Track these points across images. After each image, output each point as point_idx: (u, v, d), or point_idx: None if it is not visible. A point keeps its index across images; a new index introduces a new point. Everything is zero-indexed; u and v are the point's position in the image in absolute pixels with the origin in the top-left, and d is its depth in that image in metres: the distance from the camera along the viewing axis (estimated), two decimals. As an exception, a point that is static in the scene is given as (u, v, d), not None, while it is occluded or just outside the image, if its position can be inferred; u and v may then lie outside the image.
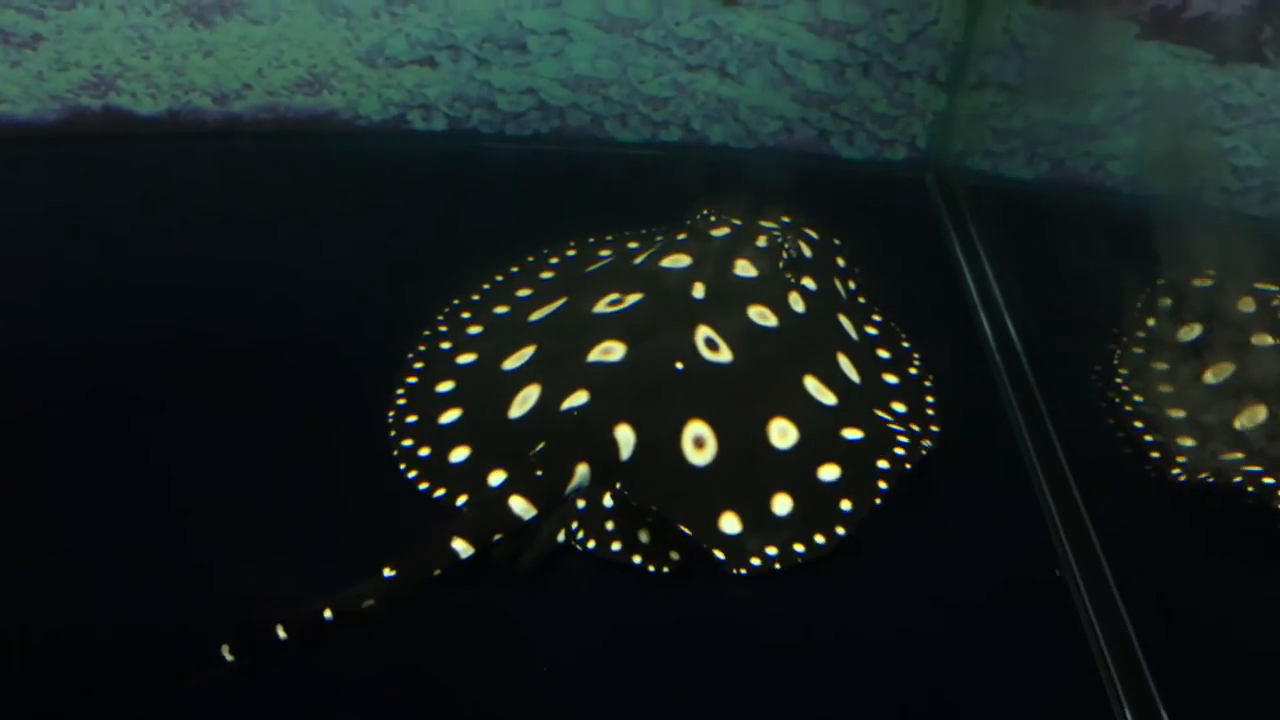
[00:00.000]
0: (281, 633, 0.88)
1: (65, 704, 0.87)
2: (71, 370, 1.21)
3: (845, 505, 1.03)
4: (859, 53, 1.63)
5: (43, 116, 1.60)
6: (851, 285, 1.36)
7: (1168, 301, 1.32)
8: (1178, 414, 1.20)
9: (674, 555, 0.99)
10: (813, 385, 1.12)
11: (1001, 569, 1.09)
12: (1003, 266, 1.48)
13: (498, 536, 0.97)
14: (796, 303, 1.21)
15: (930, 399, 1.19)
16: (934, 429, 1.14)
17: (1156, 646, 0.99)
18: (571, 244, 1.40)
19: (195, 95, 1.63)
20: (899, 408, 1.16)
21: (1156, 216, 1.41)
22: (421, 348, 1.22)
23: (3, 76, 1.55)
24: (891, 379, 1.21)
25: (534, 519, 0.98)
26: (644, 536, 1.00)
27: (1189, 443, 1.17)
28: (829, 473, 1.05)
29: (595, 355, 1.11)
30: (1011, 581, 1.08)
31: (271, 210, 1.55)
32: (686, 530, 0.97)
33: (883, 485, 1.04)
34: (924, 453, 1.08)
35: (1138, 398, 1.23)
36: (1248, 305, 1.25)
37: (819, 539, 1.01)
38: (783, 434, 1.07)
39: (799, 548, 1.00)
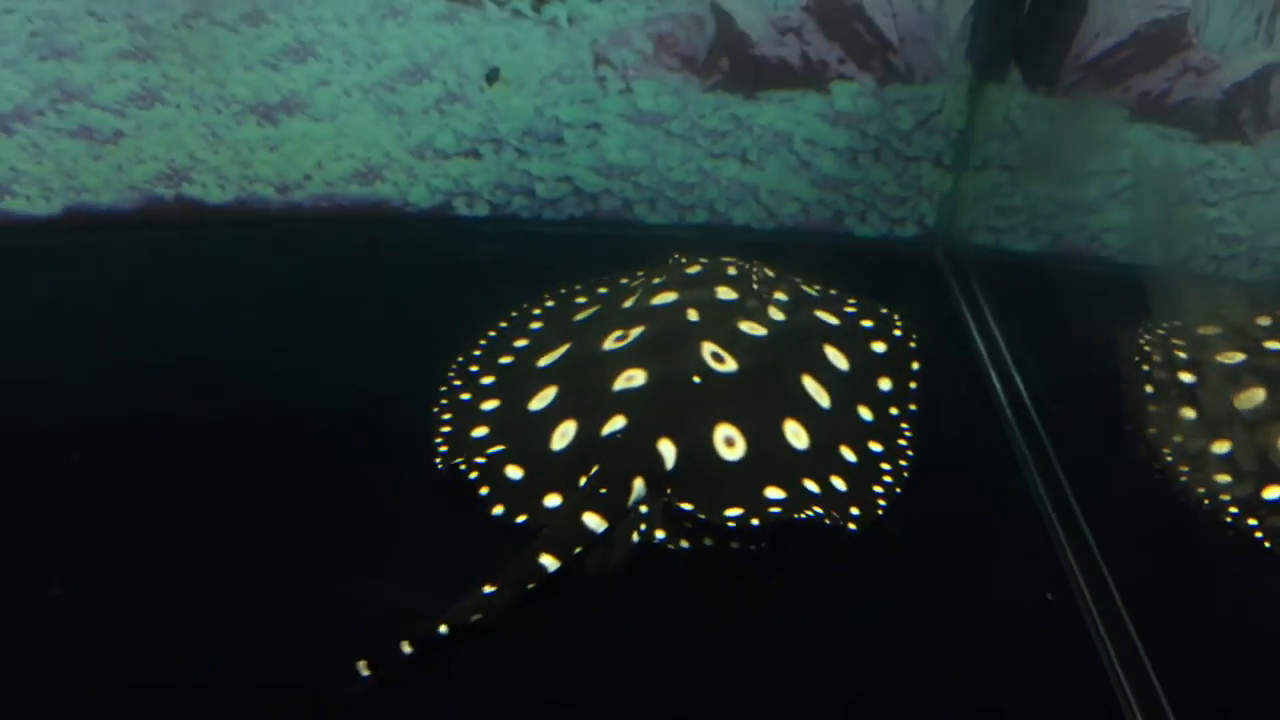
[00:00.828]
0: (406, 648, 1.00)
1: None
2: (142, 437, 1.32)
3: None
4: (870, 140, 1.77)
5: (121, 205, 1.73)
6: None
7: (1176, 350, 1.43)
8: (1212, 448, 1.30)
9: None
10: (809, 381, 1.32)
11: (1021, 620, 1.18)
12: (1010, 330, 1.59)
13: (578, 550, 1.10)
14: (776, 314, 1.40)
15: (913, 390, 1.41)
16: (912, 406, 1.37)
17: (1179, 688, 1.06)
18: (547, 296, 1.55)
19: (260, 185, 1.77)
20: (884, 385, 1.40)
21: (1151, 282, 1.54)
22: (444, 401, 1.34)
23: (86, 168, 1.69)
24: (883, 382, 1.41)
25: (605, 531, 1.12)
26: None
27: (1225, 478, 1.26)
28: (847, 453, 1.27)
29: (620, 384, 1.26)
30: (1031, 631, 1.17)
31: (328, 290, 1.67)
32: (738, 510, 1.15)
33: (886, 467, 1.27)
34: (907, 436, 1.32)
35: (1174, 437, 1.33)
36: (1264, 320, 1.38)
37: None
38: (795, 434, 1.25)
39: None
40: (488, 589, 1.06)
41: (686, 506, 1.15)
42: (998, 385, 1.51)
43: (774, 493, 1.18)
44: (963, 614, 1.16)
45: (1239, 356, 1.37)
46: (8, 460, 1.29)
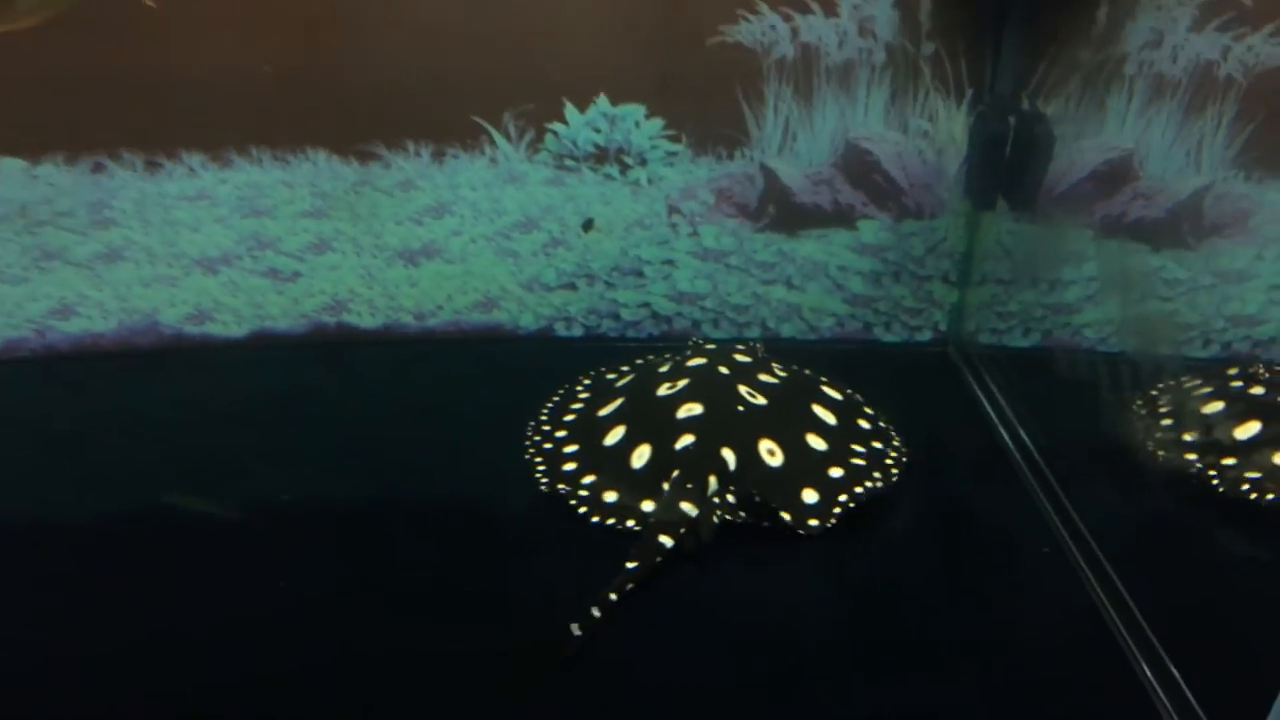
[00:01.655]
0: (612, 596, 1.38)
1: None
2: (310, 513, 1.67)
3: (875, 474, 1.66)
4: (890, 265, 2.20)
5: (294, 329, 2.17)
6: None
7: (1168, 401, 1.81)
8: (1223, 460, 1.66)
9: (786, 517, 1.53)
10: (817, 408, 1.75)
11: (1056, 653, 1.41)
12: (1016, 406, 1.94)
13: (682, 530, 1.47)
14: (781, 372, 1.84)
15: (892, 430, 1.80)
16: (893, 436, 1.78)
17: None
18: (584, 376, 1.99)
19: (402, 314, 2.20)
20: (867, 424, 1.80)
21: (1125, 363, 1.93)
22: (531, 450, 1.75)
23: (271, 301, 2.14)
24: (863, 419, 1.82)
25: (695, 515, 1.48)
26: (765, 512, 1.54)
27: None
28: (857, 447, 1.70)
29: (682, 414, 1.67)
30: (1067, 663, 1.39)
31: (454, 396, 2.06)
32: (786, 515, 1.53)
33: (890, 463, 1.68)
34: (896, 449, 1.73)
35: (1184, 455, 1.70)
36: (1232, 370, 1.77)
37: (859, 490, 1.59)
38: (816, 442, 1.67)
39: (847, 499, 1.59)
40: (630, 565, 1.43)
41: (744, 508, 1.56)
42: (1011, 446, 1.87)
43: (809, 495, 1.58)
44: (994, 650, 1.42)
45: (1220, 404, 1.75)
46: (203, 536, 1.63)
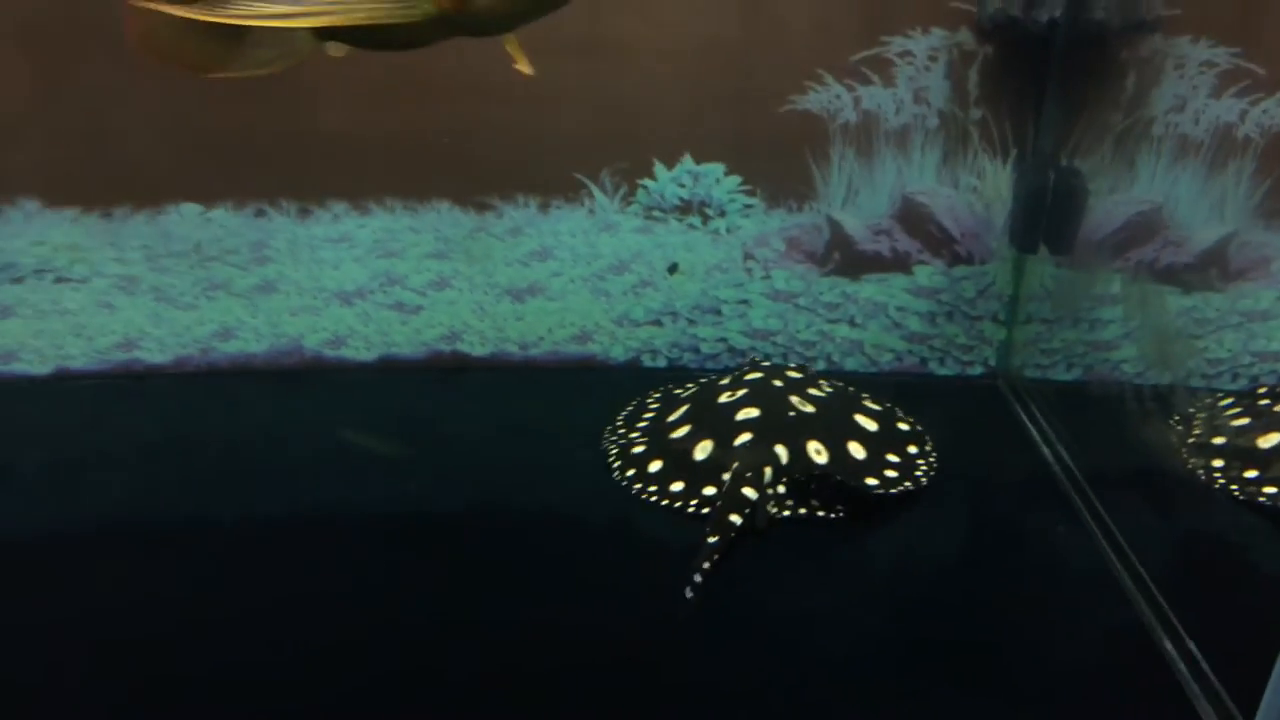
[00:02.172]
0: (705, 565, 1.66)
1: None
2: (418, 517, 1.94)
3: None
4: (944, 305, 2.44)
5: (415, 356, 2.49)
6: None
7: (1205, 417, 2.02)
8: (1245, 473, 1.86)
9: (839, 508, 1.79)
10: (859, 417, 2.00)
11: (1107, 667, 1.57)
12: (1061, 435, 2.14)
13: (746, 511, 1.73)
14: (827, 388, 2.09)
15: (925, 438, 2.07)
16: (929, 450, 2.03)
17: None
18: (654, 391, 2.29)
19: (508, 344, 2.51)
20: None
21: (1159, 392, 2.14)
22: (609, 448, 2.05)
23: (397, 330, 2.46)
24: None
25: (755, 499, 1.74)
26: (815, 500, 1.80)
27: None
28: (891, 457, 1.96)
29: (741, 416, 1.94)
30: (1117, 674, 1.56)
31: (553, 417, 2.33)
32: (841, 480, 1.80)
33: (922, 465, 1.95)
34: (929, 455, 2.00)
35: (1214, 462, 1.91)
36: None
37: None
38: (856, 449, 1.95)
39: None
40: (711, 539, 1.69)
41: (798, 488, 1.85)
42: (1054, 466, 2.08)
43: (892, 472, 1.89)
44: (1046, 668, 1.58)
45: (1247, 419, 1.96)
46: (326, 537, 1.88)
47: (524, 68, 1.43)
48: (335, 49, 1.32)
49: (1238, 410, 2.02)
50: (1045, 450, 2.14)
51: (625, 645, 1.59)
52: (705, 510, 1.81)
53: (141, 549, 1.86)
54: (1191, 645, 1.52)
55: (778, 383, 2.09)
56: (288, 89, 2.18)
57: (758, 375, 2.15)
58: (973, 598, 1.73)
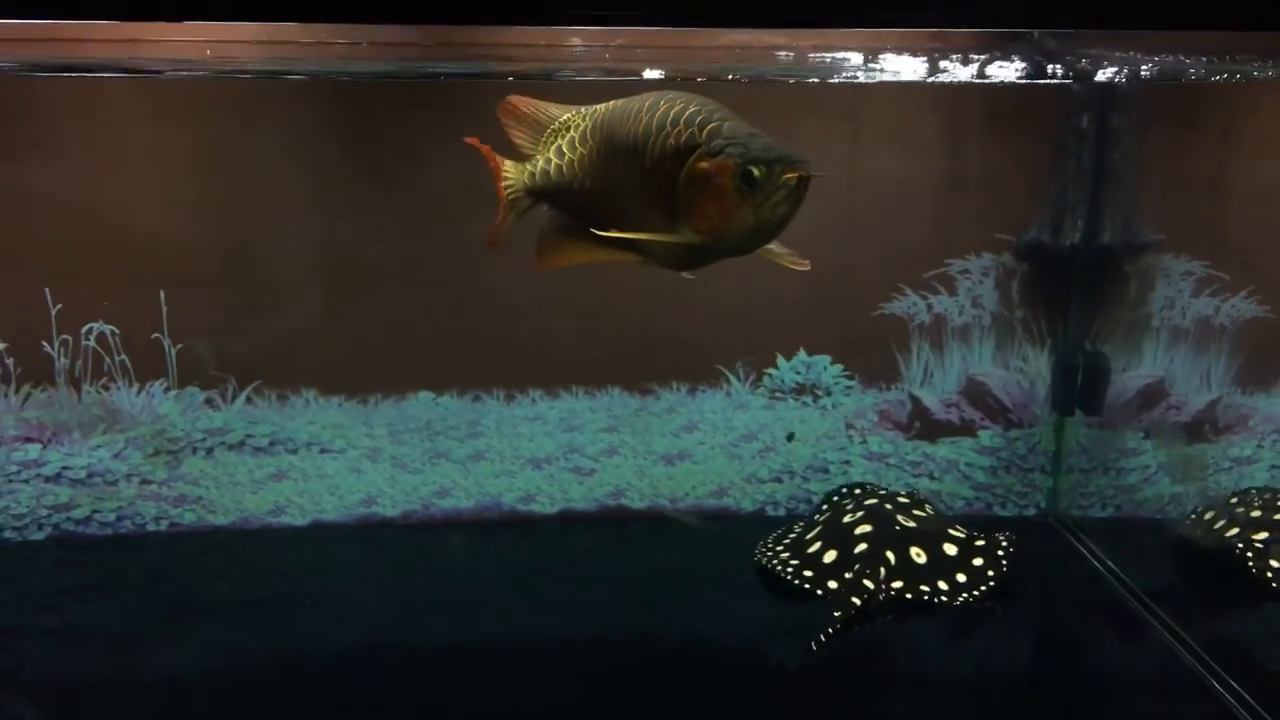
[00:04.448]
0: (830, 630, 2.31)
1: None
2: (587, 648, 2.44)
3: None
4: (1002, 460, 3.13)
5: (588, 509, 3.10)
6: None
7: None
8: None
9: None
10: (952, 530, 2.62)
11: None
12: (1113, 557, 2.80)
13: (865, 596, 2.38)
14: (928, 510, 2.75)
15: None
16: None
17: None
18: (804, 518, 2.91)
19: (661, 499, 3.13)
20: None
21: (1177, 522, 2.82)
22: (763, 555, 2.72)
23: (573, 488, 3.07)
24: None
25: (872, 588, 2.42)
26: (925, 588, 2.43)
27: None
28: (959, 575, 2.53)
29: (859, 531, 2.61)
30: None
31: (698, 558, 2.96)
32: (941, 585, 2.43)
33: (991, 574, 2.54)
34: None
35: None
36: None
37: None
38: (950, 550, 2.56)
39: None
40: (835, 614, 2.34)
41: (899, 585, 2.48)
42: (1104, 574, 2.74)
43: (943, 584, 2.50)
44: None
45: (1259, 513, 2.64)
46: (518, 655, 2.37)
47: (797, 264, 1.70)
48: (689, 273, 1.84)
49: (1244, 504, 2.70)
50: (1101, 570, 2.79)
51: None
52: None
53: (381, 661, 2.38)
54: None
55: (888, 506, 2.75)
56: (500, 304, 2.92)
57: (874, 501, 2.80)
58: (1067, 697, 2.34)
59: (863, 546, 2.59)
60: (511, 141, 1.79)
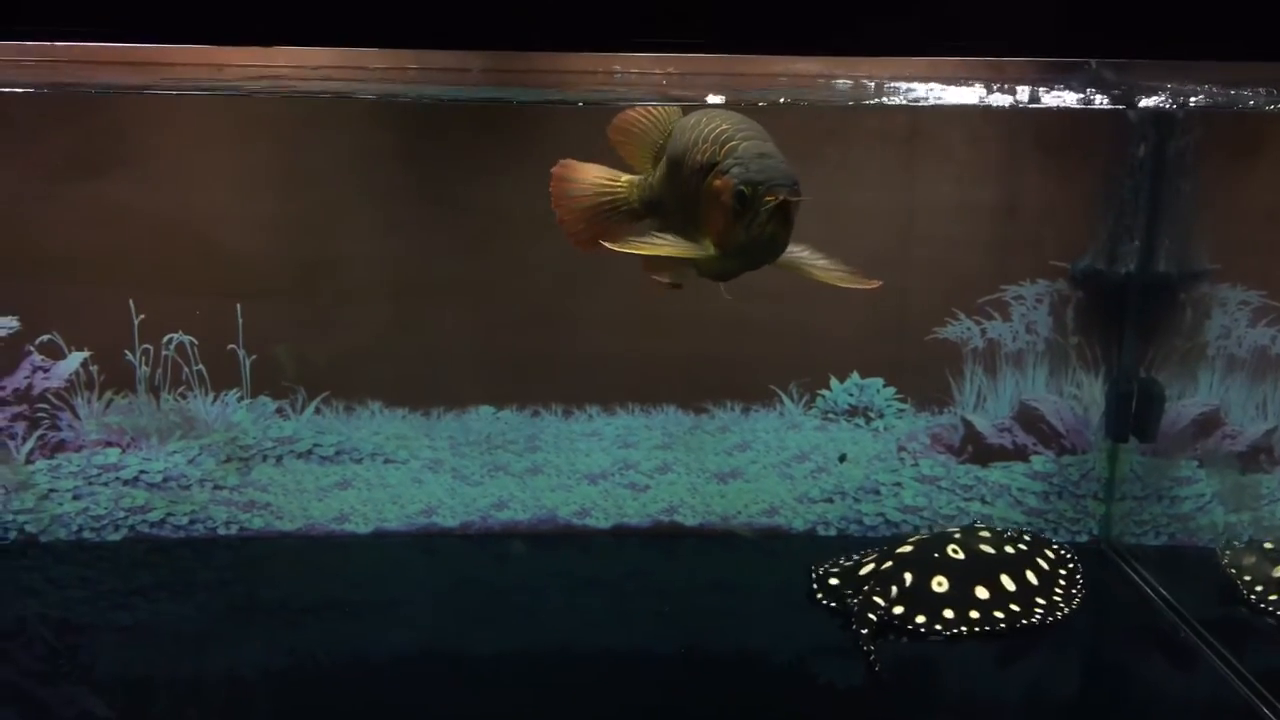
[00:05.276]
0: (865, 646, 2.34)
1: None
2: (634, 658, 2.52)
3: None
4: (1055, 486, 3.14)
5: (642, 524, 3.16)
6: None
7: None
8: None
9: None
10: (1005, 577, 2.62)
11: None
12: (1153, 582, 2.83)
13: (879, 611, 2.43)
14: (1007, 549, 2.74)
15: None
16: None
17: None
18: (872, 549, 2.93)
19: (713, 516, 3.17)
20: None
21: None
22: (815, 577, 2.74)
23: (628, 504, 3.14)
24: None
25: (884, 604, 2.46)
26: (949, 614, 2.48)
27: None
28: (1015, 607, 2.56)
29: (900, 550, 2.68)
30: None
31: (749, 574, 3.02)
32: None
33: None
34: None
35: None
36: None
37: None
38: (1007, 585, 2.59)
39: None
40: (863, 631, 2.38)
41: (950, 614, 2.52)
42: (1155, 601, 2.75)
43: (999, 613, 2.53)
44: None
45: None
46: (565, 664, 2.45)
47: (866, 284, 1.80)
48: (726, 289, 1.98)
49: None
50: (1153, 598, 2.80)
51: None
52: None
53: (435, 668, 2.46)
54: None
55: (956, 534, 2.78)
56: (559, 322, 3.00)
57: (956, 531, 2.84)
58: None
59: (888, 564, 2.65)
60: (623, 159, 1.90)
